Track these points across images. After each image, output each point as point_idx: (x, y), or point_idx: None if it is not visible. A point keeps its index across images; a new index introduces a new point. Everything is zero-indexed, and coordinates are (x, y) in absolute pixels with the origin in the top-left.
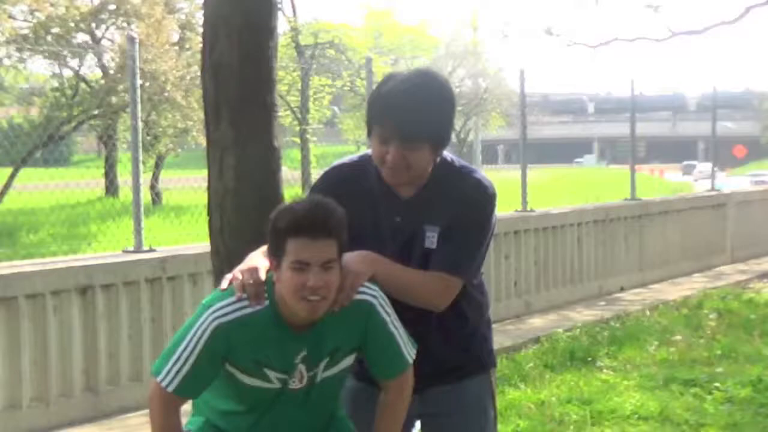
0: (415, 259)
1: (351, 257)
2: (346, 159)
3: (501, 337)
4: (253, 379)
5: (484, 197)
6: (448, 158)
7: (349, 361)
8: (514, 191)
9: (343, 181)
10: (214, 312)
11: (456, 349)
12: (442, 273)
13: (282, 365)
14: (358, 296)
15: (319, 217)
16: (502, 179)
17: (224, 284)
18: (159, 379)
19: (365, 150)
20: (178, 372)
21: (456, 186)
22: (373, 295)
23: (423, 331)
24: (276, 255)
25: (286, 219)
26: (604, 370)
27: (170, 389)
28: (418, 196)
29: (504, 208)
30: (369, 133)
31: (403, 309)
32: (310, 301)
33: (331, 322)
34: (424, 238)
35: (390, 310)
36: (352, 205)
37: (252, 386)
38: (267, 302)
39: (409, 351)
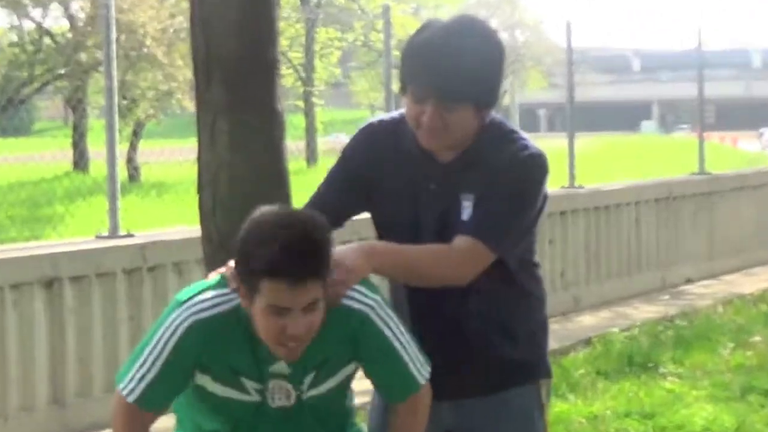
0: (449, 231)
1: (345, 251)
2: (382, 116)
3: None
4: (227, 389)
5: (530, 161)
6: (497, 121)
7: (342, 376)
8: (559, 164)
9: (376, 142)
10: (190, 307)
11: (501, 351)
12: (466, 237)
13: (255, 373)
14: (351, 303)
15: (302, 258)
16: (544, 150)
17: (211, 275)
18: (121, 387)
19: (381, 114)
20: (142, 378)
21: (499, 149)
22: (368, 304)
23: (461, 320)
24: (247, 288)
25: (262, 258)
26: (669, 378)
27: (131, 399)
28: (458, 160)
29: (548, 185)
30: (403, 91)
31: (431, 295)
32: (287, 346)
33: (318, 332)
34: (460, 208)
35: (393, 320)
36: (387, 170)
37: (226, 398)
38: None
39: (419, 369)
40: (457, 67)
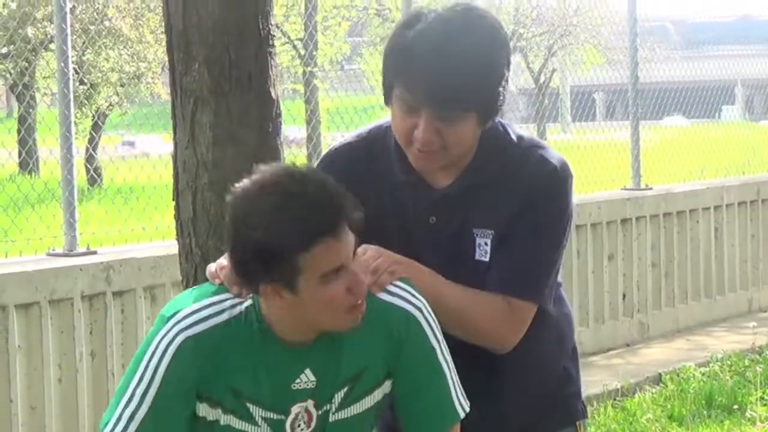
0: (463, 276)
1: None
2: (352, 135)
3: (603, 375)
4: (230, 417)
5: (557, 182)
6: (500, 127)
7: (377, 397)
8: (620, 160)
9: (352, 170)
10: (179, 322)
11: (528, 395)
12: (507, 297)
13: (272, 398)
14: (397, 301)
15: (332, 207)
16: (602, 144)
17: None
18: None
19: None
20: (132, 417)
21: (514, 169)
22: (416, 304)
23: (493, 360)
24: (281, 279)
25: (291, 233)
26: (759, 424)
27: None
28: (459, 184)
29: (605, 186)
30: (387, 99)
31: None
32: (357, 307)
33: (353, 333)
34: (474, 246)
35: (440, 334)
36: (366, 204)
37: (230, 428)
38: (249, 301)
39: (461, 398)
40: (459, 69)
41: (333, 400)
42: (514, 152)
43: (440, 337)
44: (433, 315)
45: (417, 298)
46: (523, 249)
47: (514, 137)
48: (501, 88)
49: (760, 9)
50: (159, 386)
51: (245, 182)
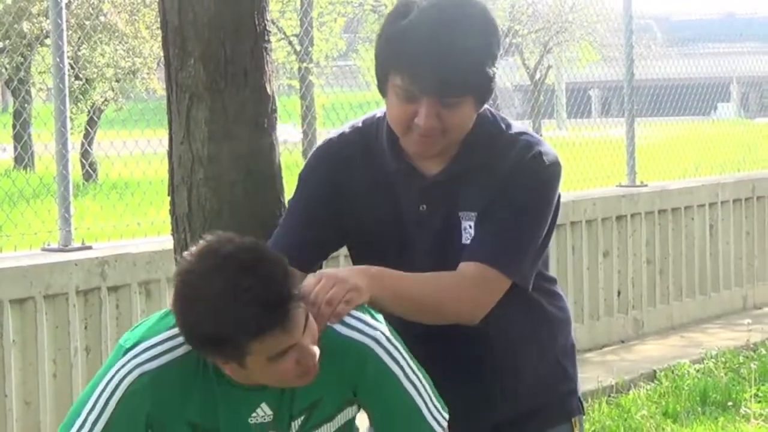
0: (451, 262)
1: (341, 271)
2: (347, 127)
3: (598, 372)
4: None
5: (540, 164)
6: (489, 114)
7: (340, 421)
8: (615, 157)
9: (341, 161)
10: (136, 356)
11: (522, 391)
12: (474, 264)
13: (228, 429)
14: (351, 334)
15: (283, 298)
16: (598, 141)
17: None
18: None
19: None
20: None
21: (499, 152)
22: (372, 336)
23: (480, 357)
24: (229, 358)
25: (241, 327)
26: (753, 420)
27: None
28: (448, 171)
29: (601, 182)
30: (382, 89)
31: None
32: (308, 372)
33: None
34: (460, 231)
35: (403, 355)
36: (360, 193)
37: None
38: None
39: (435, 416)
40: (457, 55)
41: (291, 427)
42: (502, 138)
43: (403, 358)
44: (392, 340)
45: (373, 328)
46: (496, 223)
47: (502, 125)
48: (493, 70)
49: (744, 6)
50: (108, 419)
51: (192, 256)
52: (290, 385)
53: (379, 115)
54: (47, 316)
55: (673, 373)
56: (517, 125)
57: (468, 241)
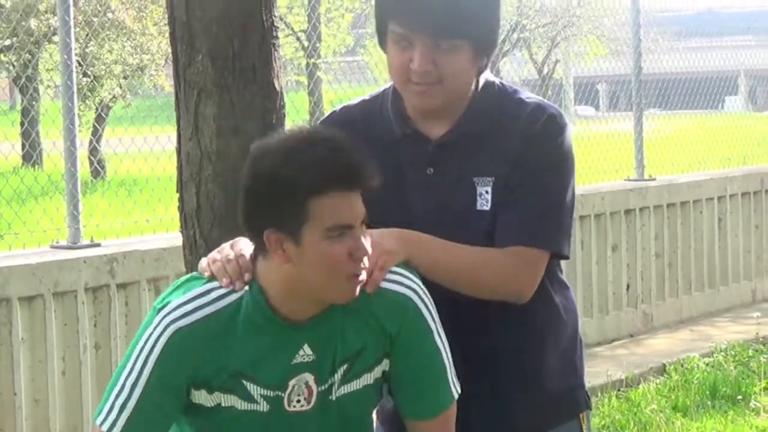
0: (464, 227)
1: (374, 232)
2: (354, 100)
3: (608, 366)
4: (231, 397)
5: (554, 126)
6: (493, 81)
7: (377, 373)
8: (623, 151)
9: (351, 127)
10: (169, 314)
11: (540, 383)
12: (517, 246)
13: (271, 374)
14: (392, 286)
15: (351, 161)
16: (605, 134)
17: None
18: (98, 422)
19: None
20: (122, 408)
21: (510, 115)
22: (412, 287)
23: (496, 347)
24: (287, 224)
25: (307, 170)
26: (763, 414)
27: None
28: (454, 133)
29: (609, 176)
30: (382, 41)
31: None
32: (357, 277)
33: (350, 315)
34: (475, 195)
35: (436, 315)
36: None
37: (227, 411)
38: (241, 292)
39: (454, 380)
40: None
41: (335, 375)
42: (510, 101)
43: (436, 318)
44: (428, 296)
45: (412, 281)
46: (527, 196)
47: (509, 89)
48: (495, 18)
49: (722, 1)
50: (148, 379)
51: (261, 148)
52: (337, 293)
53: (386, 87)
54: (56, 313)
55: (682, 366)
56: (525, 91)
57: (484, 207)
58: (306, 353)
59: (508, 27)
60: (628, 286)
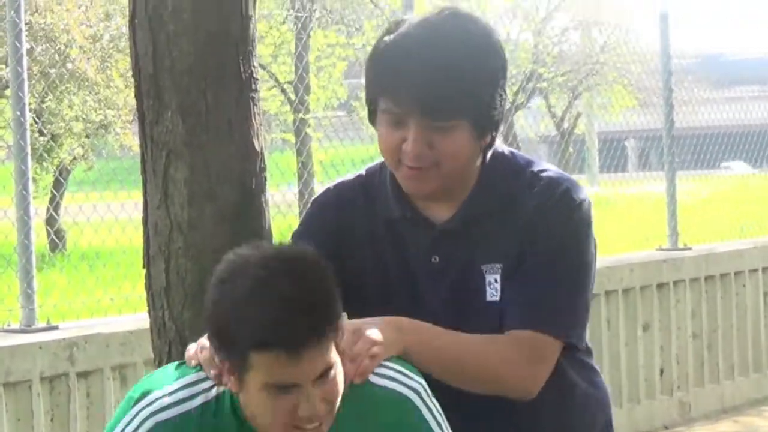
0: (474, 321)
1: (367, 322)
2: (347, 177)
3: None
4: None
5: (570, 200)
6: (505, 152)
7: None
8: (655, 216)
9: (352, 206)
10: (148, 405)
11: None
12: (524, 332)
13: None
14: (391, 384)
15: (304, 317)
16: (634, 198)
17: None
18: None
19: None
20: None
21: (521, 192)
22: (413, 387)
23: None
24: (231, 364)
25: (251, 326)
26: None
27: None
28: (460, 217)
29: (638, 245)
30: (372, 117)
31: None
32: (305, 431)
33: (341, 419)
34: (484, 286)
35: (441, 413)
36: (361, 245)
37: None
38: (221, 388)
39: None
40: (446, 72)
41: None
42: (521, 176)
43: (440, 417)
44: (431, 397)
45: (412, 379)
46: (537, 279)
47: (521, 162)
48: (496, 96)
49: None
50: None
51: (236, 254)
52: None
53: (383, 161)
54: (7, 406)
55: None
56: (540, 162)
57: (494, 298)
58: None
59: (522, 76)
60: (661, 371)
